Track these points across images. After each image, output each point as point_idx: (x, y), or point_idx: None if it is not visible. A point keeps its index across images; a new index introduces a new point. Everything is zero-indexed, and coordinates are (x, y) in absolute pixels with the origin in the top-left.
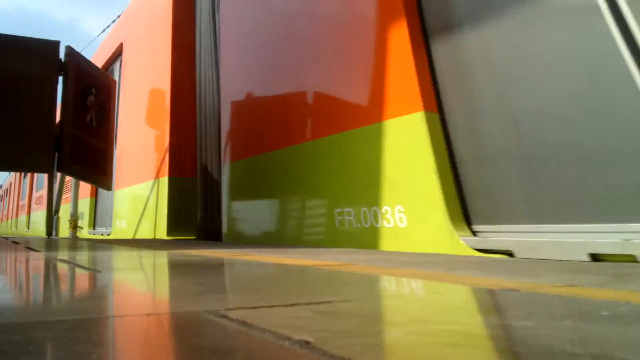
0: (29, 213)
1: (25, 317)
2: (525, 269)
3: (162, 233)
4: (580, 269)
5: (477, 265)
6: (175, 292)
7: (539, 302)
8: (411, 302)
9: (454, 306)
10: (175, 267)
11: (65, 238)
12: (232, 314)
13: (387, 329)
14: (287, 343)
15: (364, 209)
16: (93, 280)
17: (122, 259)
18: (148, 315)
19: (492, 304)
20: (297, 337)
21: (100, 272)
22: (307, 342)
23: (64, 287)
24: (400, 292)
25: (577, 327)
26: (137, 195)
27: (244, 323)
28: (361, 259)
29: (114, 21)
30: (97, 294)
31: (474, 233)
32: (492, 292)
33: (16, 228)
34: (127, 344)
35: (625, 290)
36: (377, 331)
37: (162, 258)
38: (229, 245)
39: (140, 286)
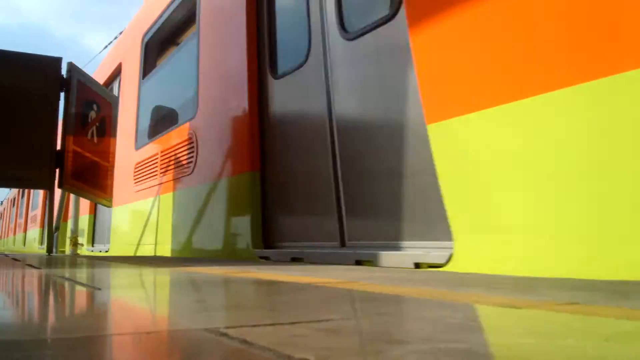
0: (25, 231)
1: (25, 335)
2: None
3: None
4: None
5: (481, 282)
6: (175, 310)
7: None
8: (414, 320)
9: (456, 323)
10: (175, 285)
11: (65, 255)
12: (232, 332)
13: (389, 347)
14: None
15: None
16: (92, 297)
17: (122, 276)
18: (148, 333)
19: (497, 321)
20: (297, 355)
21: (100, 289)
22: None
23: (64, 304)
24: (402, 310)
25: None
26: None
27: (244, 341)
28: (360, 277)
29: (115, 38)
30: (97, 312)
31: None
32: (496, 310)
33: (14, 245)
34: None
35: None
36: (378, 350)
37: (163, 275)
38: (230, 262)
39: (140, 303)
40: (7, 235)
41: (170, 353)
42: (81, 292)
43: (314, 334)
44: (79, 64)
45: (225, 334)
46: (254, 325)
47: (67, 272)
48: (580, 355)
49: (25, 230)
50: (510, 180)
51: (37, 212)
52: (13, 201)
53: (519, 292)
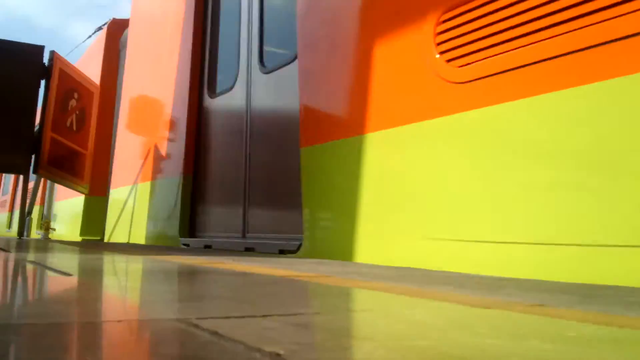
0: None
1: None
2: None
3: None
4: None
5: (450, 281)
6: (147, 299)
7: None
8: (383, 316)
9: (423, 322)
10: (148, 274)
11: (36, 239)
12: (203, 324)
13: (357, 343)
14: (258, 355)
15: None
16: (64, 283)
17: (93, 262)
18: (119, 321)
19: (463, 320)
20: (268, 349)
21: (71, 275)
22: (278, 355)
23: (35, 290)
24: (371, 306)
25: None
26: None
27: (215, 333)
28: (336, 271)
29: (100, 28)
30: (68, 299)
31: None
32: (463, 309)
33: None
34: (96, 350)
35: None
36: (346, 346)
37: (134, 263)
38: (204, 252)
39: (111, 291)
40: None
41: (140, 342)
42: (52, 278)
43: (284, 328)
44: (63, 52)
45: (196, 325)
46: (225, 317)
47: (36, 257)
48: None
49: None
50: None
51: (6, 197)
52: None
53: (484, 292)
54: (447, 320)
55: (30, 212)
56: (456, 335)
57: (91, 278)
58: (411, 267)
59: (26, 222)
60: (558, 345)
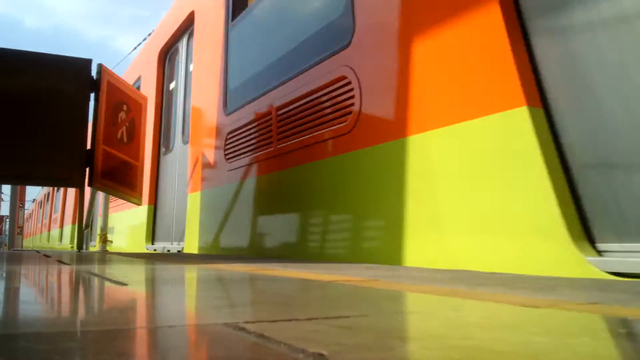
0: (49, 229)
1: (53, 328)
2: None
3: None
4: None
5: (501, 282)
6: (197, 305)
7: None
8: (428, 318)
9: (471, 322)
10: (199, 281)
11: (94, 252)
12: (250, 327)
13: (401, 344)
14: (301, 355)
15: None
16: (119, 292)
17: (147, 272)
18: (170, 327)
19: (512, 320)
20: (311, 349)
21: (126, 285)
22: (321, 355)
23: (91, 299)
24: (419, 308)
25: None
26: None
27: (261, 336)
28: (383, 275)
29: (144, 39)
30: (123, 306)
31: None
32: (512, 309)
33: (40, 242)
34: (149, 354)
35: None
36: (390, 346)
37: (185, 272)
38: (254, 260)
39: (164, 299)
40: (35, 234)
41: (190, 346)
42: (108, 287)
43: (329, 330)
44: (110, 65)
45: (243, 329)
46: (272, 321)
47: (95, 269)
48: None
49: (49, 229)
50: None
51: (57, 215)
52: (40, 203)
53: (537, 291)
54: (494, 320)
55: (87, 226)
56: (503, 334)
57: (144, 287)
58: (460, 269)
59: (84, 236)
60: (609, 341)
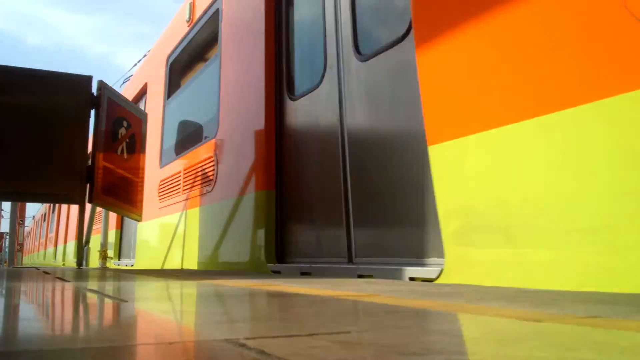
0: (45, 248)
1: (53, 345)
2: None
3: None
4: None
5: (503, 296)
6: (197, 321)
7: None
8: (430, 332)
9: (472, 337)
10: (199, 297)
11: (95, 268)
12: (250, 343)
13: (402, 359)
14: None
15: None
16: (118, 309)
17: (148, 289)
18: (170, 343)
19: (513, 334)
20: None
21: (126, 302)
22: None
23: (91, 315)
24: (419, 323)
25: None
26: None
27: (261, 352)
28: (382, 290)
29: (144, 56)
30: (122, 323)
31: None
32: (513, 323)
33: (37, 259)
34: None
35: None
36: None
37: (188, 288)
38: (255, 275)
39: (164, 315)
40: (33, 252)
41: None
42: (108, 304)
43: (330, 346)
44: (112, 81)
45: (244, 345)
46: (273, 337)
47: (95, 285)
48: None
49: (45, 248)
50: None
51: (52, 235)
52: (37, 222)
53: (537, 305)
54: (495, 335)
55: (87, 242)
56: (504, 349)
57: (146, 304)
58: (469, 285)
59: (84, 252)
60: (610, 355)
